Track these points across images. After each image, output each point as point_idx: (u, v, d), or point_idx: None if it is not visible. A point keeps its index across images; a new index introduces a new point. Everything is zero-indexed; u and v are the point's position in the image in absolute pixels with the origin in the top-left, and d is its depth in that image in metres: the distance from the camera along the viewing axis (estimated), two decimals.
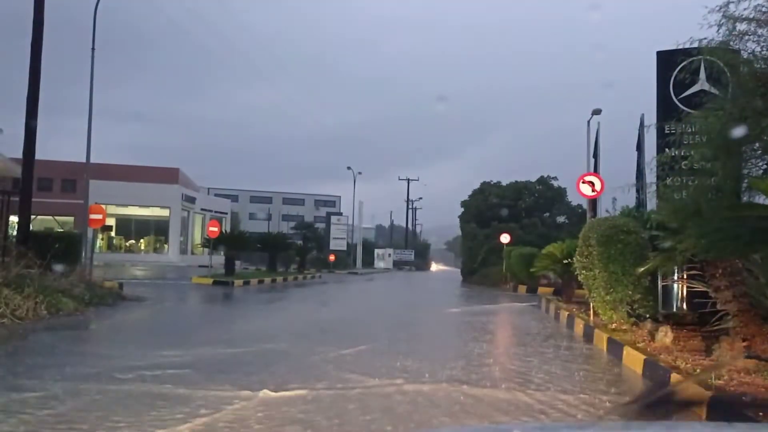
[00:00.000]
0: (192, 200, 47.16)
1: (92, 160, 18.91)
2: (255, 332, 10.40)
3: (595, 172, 17.01)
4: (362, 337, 9.83)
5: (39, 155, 15.47)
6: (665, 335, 8.04)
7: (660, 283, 9.98)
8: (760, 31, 7.85)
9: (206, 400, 5.25)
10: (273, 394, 5.50)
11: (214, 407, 5.00)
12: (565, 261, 15.23)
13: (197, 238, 45.58)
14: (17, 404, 5.03)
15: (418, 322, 13.62)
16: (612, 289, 9.81)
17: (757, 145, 8.08)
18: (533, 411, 5.23)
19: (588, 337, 10.03)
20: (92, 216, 17.69)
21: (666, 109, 10.60)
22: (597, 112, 19.16)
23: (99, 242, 36.42)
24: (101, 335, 10.68)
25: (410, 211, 76.18)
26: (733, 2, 7.79)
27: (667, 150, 10.15)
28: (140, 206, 44.08)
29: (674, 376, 6.02)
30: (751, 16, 7.78)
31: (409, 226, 78.85)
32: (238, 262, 28.68)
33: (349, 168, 55.37)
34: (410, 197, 74.56)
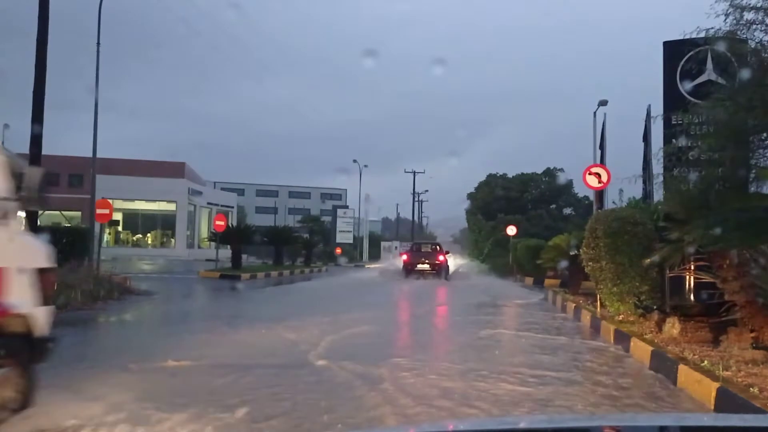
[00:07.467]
0: (198, 194, 47.25)
1: (99, 155, 18.99)
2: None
3: (602, 163, 16.94)
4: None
5: (45, 150, 15.51)
6: (672, 326, 8.03)
7: (667, 275, 9.95)
8: (767, 20, 7.78)
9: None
10: None
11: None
12: (572, 253, 15.20)
13: (204, 232, 45.73)
14: None
15: (430, 316, 13.63)
16: (619, 281, 9.80)
17: (764, 135, 8.03)
18: (536, 402, 5.24)
19: (595, 328, 10.03)
20: (99, 211, 17.76)
21: (673, 100, 10.53)
22: (603, 103, 19.09)
23: (106, 237, 36.63)
24: (113, 330, 10.77)
25: (416, 204, 76.07)
26: None
27: (674, 141, 10.10)
28: (147, 200, 44.28)
29: (681, 367, 6.02)
30: (759, 5, 7.72)
31: (416, 218, 78.79)
32: (244, 256, 28.74)
33: (355, 161, 55.41)
34: (416, 190, 74.38)
